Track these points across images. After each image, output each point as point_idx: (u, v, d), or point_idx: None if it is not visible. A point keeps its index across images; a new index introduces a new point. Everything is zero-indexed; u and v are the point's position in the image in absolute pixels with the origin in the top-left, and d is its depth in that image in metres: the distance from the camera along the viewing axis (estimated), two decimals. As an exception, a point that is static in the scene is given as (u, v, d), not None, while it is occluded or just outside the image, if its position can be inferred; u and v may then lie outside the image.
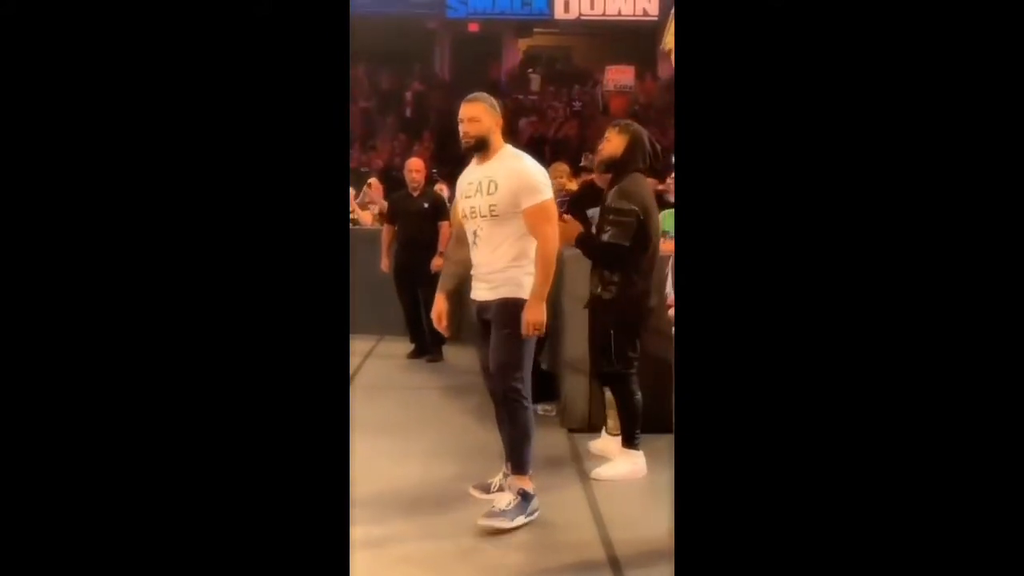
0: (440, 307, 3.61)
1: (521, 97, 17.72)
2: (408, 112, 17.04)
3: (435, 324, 3.63)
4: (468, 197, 3.44)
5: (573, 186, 6.14)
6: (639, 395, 3.94)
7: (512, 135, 14.72)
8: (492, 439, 3.37)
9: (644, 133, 3.91)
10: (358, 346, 6.59)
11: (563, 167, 6.47)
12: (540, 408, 4.71)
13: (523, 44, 21.16)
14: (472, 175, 3.48)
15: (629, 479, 3.87)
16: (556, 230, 3.38)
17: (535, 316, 3.29)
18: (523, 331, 3.29)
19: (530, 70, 18.70)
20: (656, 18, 18.58)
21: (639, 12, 19.65)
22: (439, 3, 19.71)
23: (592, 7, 19.94)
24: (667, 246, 4.22)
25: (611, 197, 3.82)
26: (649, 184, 3.99)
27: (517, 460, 3.38)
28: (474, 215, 3.41)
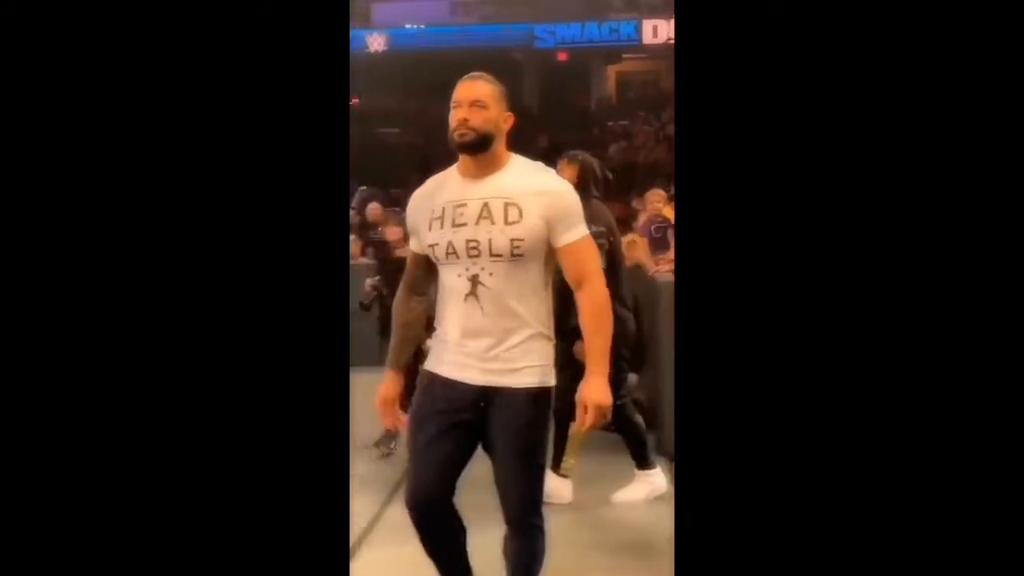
0: (391, 391, 2.47)
1: (611, 123, 17.71)
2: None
3: (381, 416, 2.49)
4: (459, 226, 2.28)
5: (669, 212, 6.05)
6: (638, 417, 3.96)
7: (604, 160, 14.73)
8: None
9: (594, 162, 4.01)
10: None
11: (660, 193, 6.45)
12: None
13: (612, 71, 21.18)
14: (457, 191, 2.33)
15: (650, 498, 3.89)
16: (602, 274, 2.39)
17: (602, 397, 2.22)
18: (583, 422, 2.24)
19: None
20: (746, 38, 18.36)
21: (729, 33, 19.45)
22: (528, 34, 19.92)
23: (680, 31, 19.83)
24: None
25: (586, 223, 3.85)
26: (609, 210, 4.07)
27: None
28: (474, 254, 2.26)
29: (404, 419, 2.42)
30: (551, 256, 2.33)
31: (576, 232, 2.30)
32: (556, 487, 3.89)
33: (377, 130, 16.00)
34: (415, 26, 18.38)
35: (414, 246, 2.43)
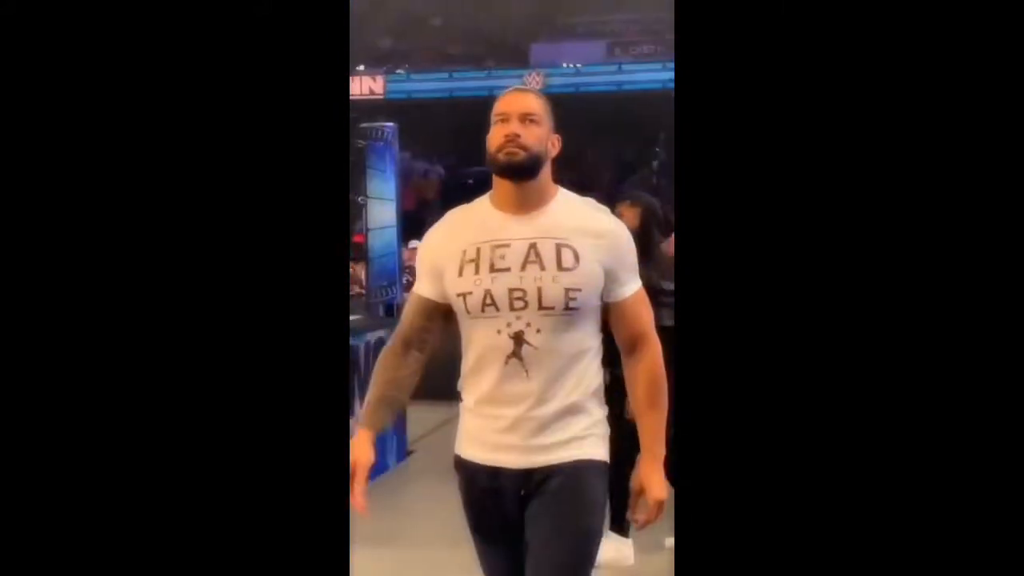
0: (367, 456, 1.92)
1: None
2: (654, 180, 17.12)
3: (352, 488, 1.89)
4: (499, 271, 1.90)
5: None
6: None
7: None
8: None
9: (655, 202, 3.75)
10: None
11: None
12: None
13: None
14: (496, 229, 1.94)
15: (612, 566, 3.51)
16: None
17: (663, 493, 1.92)
18: (639, 517, 1.97)
19: None
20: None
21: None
22: (685, 71, 19.77)
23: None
24: None
25: (653, 275, 3.41)
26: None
27: None
28: (519, 305, 1.88)
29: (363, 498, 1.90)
30: (601, 312, 1.98)
31: (634, 284, 1.98)
32: (617, 550, 3.55)
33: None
34: (572, 65, 18.53)
35: (425, 291, 2.01)
